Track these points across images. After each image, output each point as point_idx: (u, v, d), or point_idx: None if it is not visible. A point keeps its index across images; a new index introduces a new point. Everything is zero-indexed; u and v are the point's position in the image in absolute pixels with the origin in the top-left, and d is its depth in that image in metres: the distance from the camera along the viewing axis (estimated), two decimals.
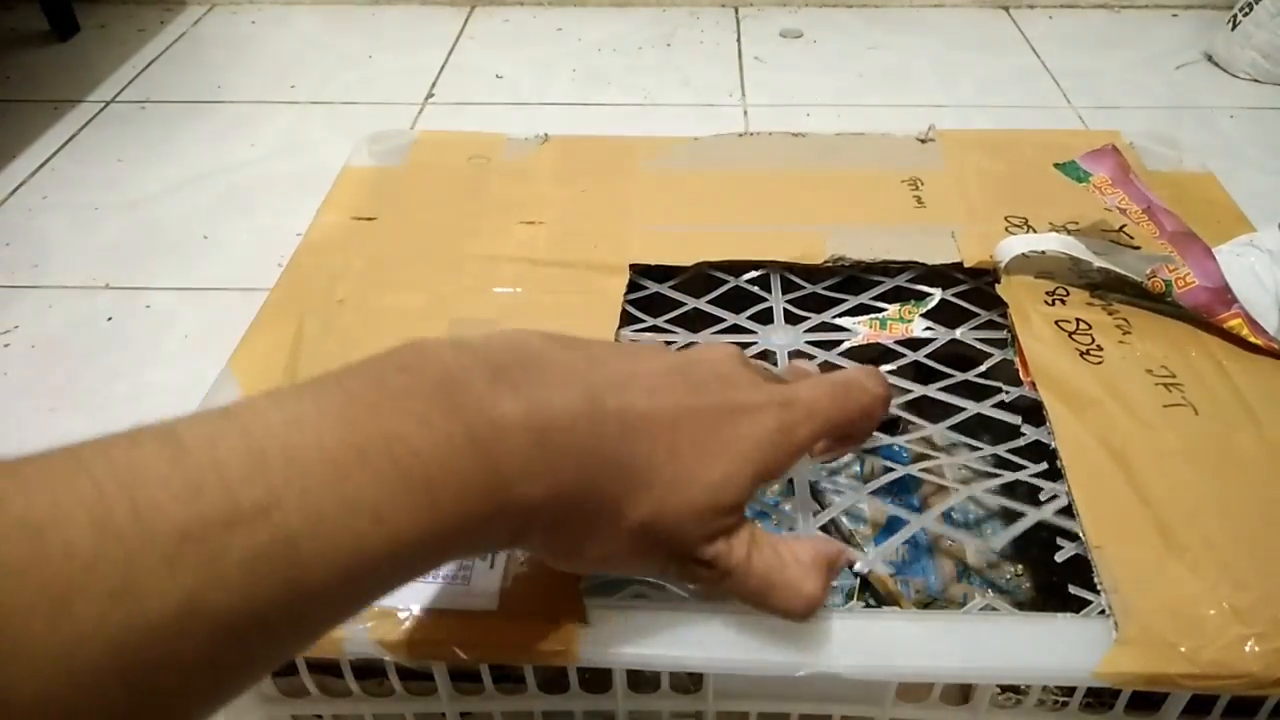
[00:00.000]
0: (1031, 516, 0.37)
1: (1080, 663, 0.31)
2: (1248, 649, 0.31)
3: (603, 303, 0.47)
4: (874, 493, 0.40)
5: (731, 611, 0.32)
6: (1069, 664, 0.31)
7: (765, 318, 0.48)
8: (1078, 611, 0.33)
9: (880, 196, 0.54)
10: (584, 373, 0.26)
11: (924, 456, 0.44)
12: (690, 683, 0.35)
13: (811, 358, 0.45)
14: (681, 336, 0.47)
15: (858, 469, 0.47)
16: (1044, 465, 0.39)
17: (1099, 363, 0.42)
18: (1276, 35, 1.05)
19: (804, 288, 0.50)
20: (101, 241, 0.85)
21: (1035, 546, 0.45)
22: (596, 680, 0.35)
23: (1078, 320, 0.45)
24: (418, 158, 0.59)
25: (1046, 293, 0.46)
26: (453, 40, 1.21)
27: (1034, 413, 0.41)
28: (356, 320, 0.46)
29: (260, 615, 0.19)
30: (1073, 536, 0.36)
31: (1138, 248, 0.48)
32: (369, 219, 0.53)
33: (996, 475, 0.40)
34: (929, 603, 0.44)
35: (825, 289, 0.50)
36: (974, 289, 0.49)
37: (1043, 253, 0.47)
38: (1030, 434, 0.40)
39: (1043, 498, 0.38)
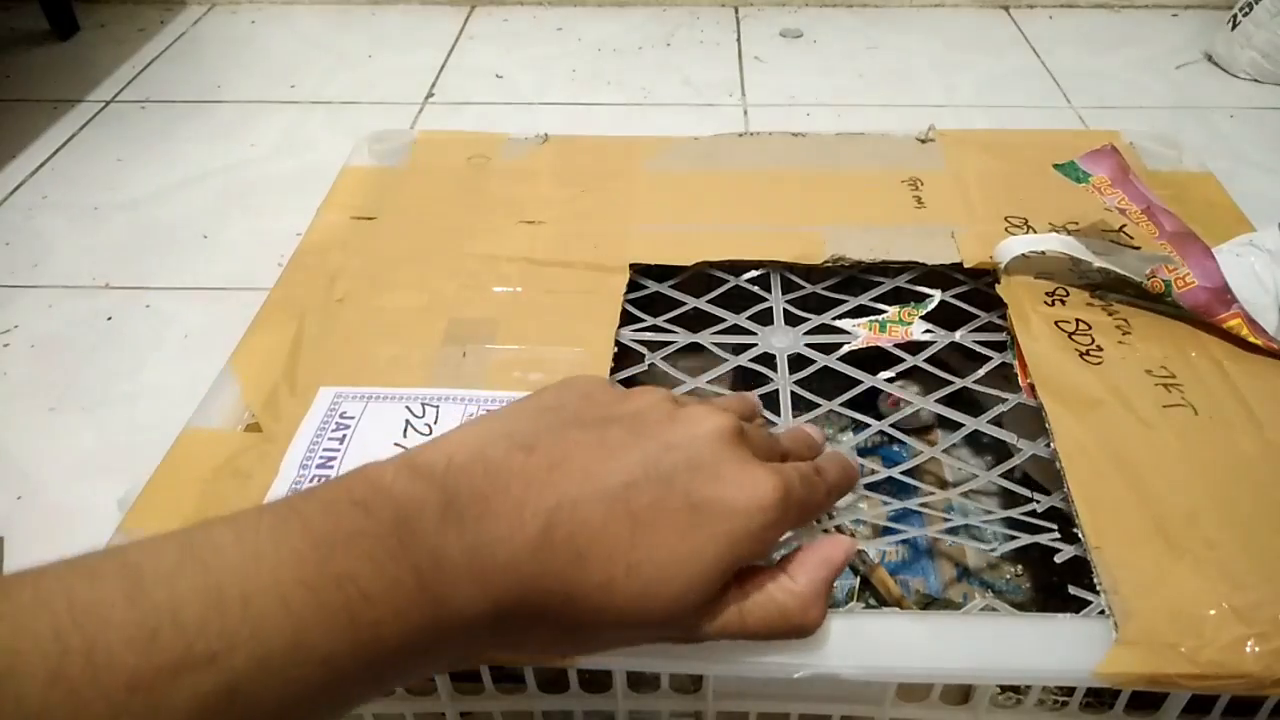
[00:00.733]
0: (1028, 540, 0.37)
1: (1080, 663, 0.31)
2: (1248, 649, 0.31)
3: (603, 302, 0.47)
4: (874, 494, 0.40)
5: None
6: (1069, 664, 0.31)
7: (765, 318, 0.48)
8: (1077, 612, 0.33)
9: (880, 197, 0.54)
10: (540, 489, 0.25)
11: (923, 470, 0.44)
12: (690, 683, 0.35)
13: (811, 361, 0.45)
14: (681, 336, 0.47)
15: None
16: (1044, 504, 0.39)
17: (1099, 363, 0.42)
18: (1276, 35, 1.05)
19: (804, 288, 0.50)
20: (101, 241, 0.85)
21: (1035, 548, 0.44)
22: (596, 680, 0.35)
23: (1077, 321, 0.45)
24: (418, 158, 0.59)
25: (1046, 293, 0.46)
26: (453, 40, 1.20)
27: (1032, 422, 0.41)
28: (356, 319, 0.46)
29: None
30: (1072, 539, 0.35)
31: (1137, 248, 0.48)
32: (369, 218, 0.53)
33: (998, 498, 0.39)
34: (929, 603, 0.44)
35: (825, 289, 0.50)
36: (974, 290, 0.49)
37: (1042, 253, 0.47)
38: (1027, 449, 0.40)
39: (1045, 537, 0.37)
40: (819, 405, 0.43)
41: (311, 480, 0.38)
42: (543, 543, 0.25)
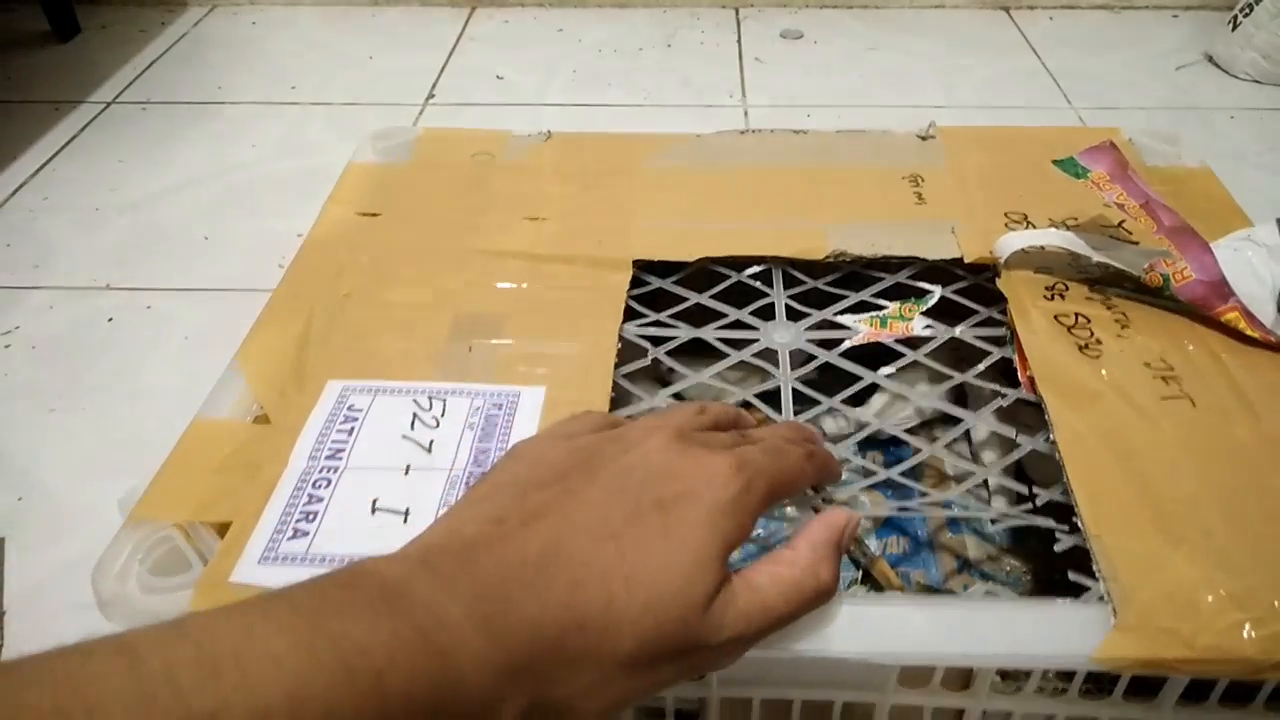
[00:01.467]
0: (1028, 518, 0.37)
1: (1080, 647, 0.31)
2: (1245, 634, 0.31)
3: (606, 298, 0.47)
4: (875, 487, 0.40)
5: None
6: (1069, 649, 0.32)
7: (767, 313, 0.48)
8: (1077, 598, 0.33)
9: (881, 193, 0.54)
10: (521, 543, 0.26)
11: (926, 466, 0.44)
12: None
13: (813, 357, 0.45)
14: (684, 331, 0.47)
15: (859, 463, 0.47)
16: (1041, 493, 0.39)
17: (1098, 356, 0.42)
18: (1277, 36, 1.05)
19: (805, 283, 0.50)
20: (102, 242, 0.85)
21: (1034, 539, 0.45)
22: None
23: (1077, 315, 0.45)
24: (421, 154, 0.59)
25: (1046, 288, 0.47)
26: (453, 41, 1.21)
27: (1031, 418, 0.41)
28: (363, 314, 0.46)
29: None
30: (1072, 528, 0.36)
31: (1136, 243, 0.48)
32: (374, 215, 0.53)
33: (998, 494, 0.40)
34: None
35: (826, 285, 0.50)
36: (974, 285, 0.49)
37: (1042, 248, 0.47)
38: (1026, 444, 0.40)
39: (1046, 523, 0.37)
40: (820, 402, 0.44)
41: (321, 470, 0.38)
42: (539, 582, 0.25)
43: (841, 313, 0.48)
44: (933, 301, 0.48)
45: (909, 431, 0.43)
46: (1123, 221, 0.50)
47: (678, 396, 0.45)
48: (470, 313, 0.46)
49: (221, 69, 1.15)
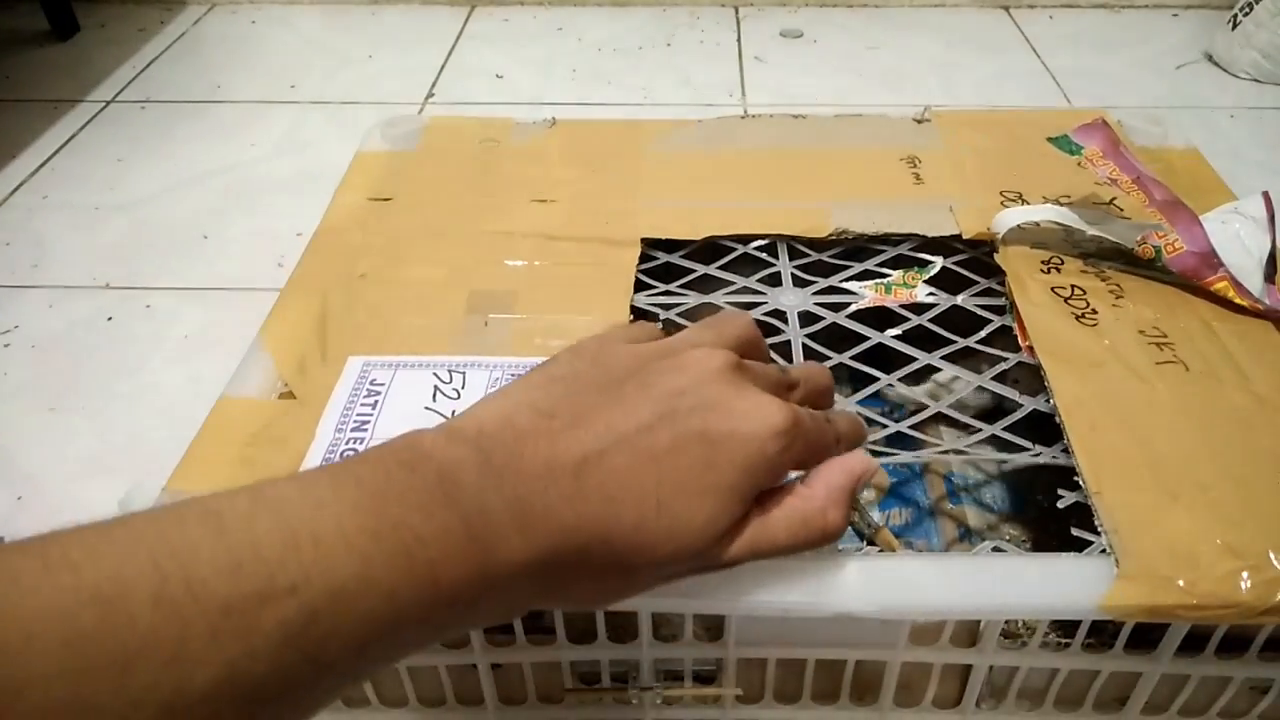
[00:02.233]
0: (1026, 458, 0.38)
1: (1085, 598, 0.32)
2: (1241, 581, 0.32)
3: (616, 273, 0.48)
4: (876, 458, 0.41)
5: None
6: (1075, 599, 0.33)
7: (774, 281, 0.50)
8: (1080, 552, 0.34)
9: (880, 174, 0.55)
10: (567, 446, 0.27)
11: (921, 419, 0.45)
12: (710, 632, 0.36)
13: (820, 318, 0.47)
14: (693, 299, 0.48)
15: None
16: (1044, 447, 0.40)
17: (1094, 325, 0.44)
18: (1277, 35, 1.05)
19: (809, 255, 0.51)
20: (102, 241, 0.85)
21: (1034, 509, 0.47)
22: (622, 631, 0.36)
23: (1073, 286, 0.46)
24: (430, 141, 0.60)
25: (1042, 262, 0.48)
26: (453, 40, 1.21)
27: (1031, 380, 0.43)
28: (380, 292, 0.47)
29: (285, 684, 0.21)
30: (1073, 486, 0.37)
31: (1128, 219, 0.50)
32: (385, 199, 0.54)
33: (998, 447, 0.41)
34: None
35: (830, 257, 0.51)
36: (973, 258, 0.50)
37: (1037, 224, 0.49)
38: (1028, 404, 0.42)
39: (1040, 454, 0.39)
40: (830, 358, 0.45)
41: (348, 443, 0.39)
42: (576, 492, 0.27)
43: (846, 280, 0.49)
44: (934, 270, 0.50)
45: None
46: (1114, 199, 0.52)
47: None
48: (484, 289, 0.47)
49: (221, 68, 1.15)
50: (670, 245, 0.51)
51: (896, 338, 0.46)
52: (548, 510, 0.26)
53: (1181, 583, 0.32)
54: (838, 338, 0.46)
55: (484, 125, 0.61)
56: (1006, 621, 0.35)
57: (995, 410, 0.44)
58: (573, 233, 0.51)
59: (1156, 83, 1.09)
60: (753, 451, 0.28)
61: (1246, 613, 0.32)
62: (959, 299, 0.48)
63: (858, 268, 0.50)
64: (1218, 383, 0.41)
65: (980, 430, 0.42)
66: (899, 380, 0.45)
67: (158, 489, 0.37)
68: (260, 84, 1.11)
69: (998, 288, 0.48)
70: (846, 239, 0.51)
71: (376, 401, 0.41)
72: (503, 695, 0.39)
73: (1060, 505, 0.37)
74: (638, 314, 0.47)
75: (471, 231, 0.52)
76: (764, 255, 0.51)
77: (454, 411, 0.41)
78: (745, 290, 0.49)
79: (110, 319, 0.76)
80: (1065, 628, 0.35)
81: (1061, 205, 0.50)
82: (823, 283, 0.49)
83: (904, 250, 0.51)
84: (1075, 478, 0.37)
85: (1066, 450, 0.38)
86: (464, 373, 0.42)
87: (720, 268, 0.50)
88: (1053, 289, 0.46)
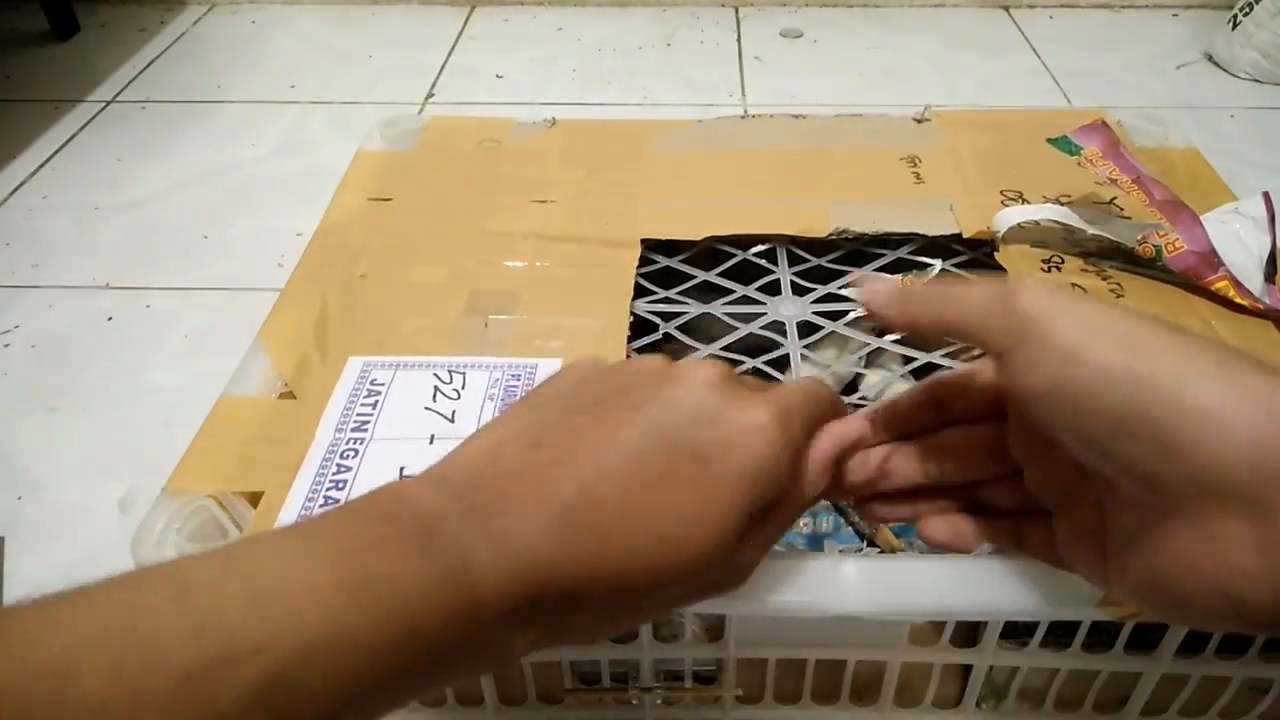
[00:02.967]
0: None
1: (1084, 599, 0.32)
2: None
3: (616, 275, 0.48)
4: None
5: None
6: (1074, 600, 0.32)
7: (773, 289, 0.49)
8: None
9: (880, 173, 0.55)
10: (555, 481, 0.26)
11: None
12: (707, 635, 0.36)
13: (819, 328, 0.46)
14: (693, 307, 0.48)
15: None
16: None
17: None
18: (1277, 35, 1.05)
19: (809, 261, 0.51)
20: (102, 241, 0.85)
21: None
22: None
23: (1074, 285, 0.46)
24: (429, 142, 0.60)
25: (1043, 260, 0.48)
26: (453, 40, 1.21)
27: None
28: (380, 293, 0.47)
29: None
30: None
31: (1128, 218, 0.50)
32: (385, 199, 0.54)
33: None
34: None
35: (830, 262, 0.51)
36: (972, 259, 0.50)
37: (1037, 223, 0.48)
38: None
39: None
40: (829, 366, 0.45)
41: (348, 443, 0.39)
42: (564, 527, 0.26)
43: (845, 287, 0.49)
44: (933, 274, 0.50)
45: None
46: (1114, 198, 0.52)
47: None
48: (484, 290, 0.47)
49: (221, 68, 1.15)
50: (670, 248, 0.51)
51: (895, 342, 0.46)
52: (535, 551, 0.25)
53: None
54: (838, 349, 0.46)
55: (484, 125, 0.61)
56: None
57: None
58: (572, 233, 0.51)
59: (1156, 83, 1.09)
60: (747, 461, 0.27)
61: None
62: None
63: (857, 273, 0.50)
64: None
65: None
66: (900, 376, 0.44)
67: (157, 489, 0.37)
68: (260, 84, 1.11)
69: None
70: (846, 239, 0.51)
71: (377, 401, 0.41)
72: (503, 695, 0.39)
73: None
74: (638, 320, 0.46)
75: (471, 232, 0.51)
76: (763, 262, 0.51)
77: (454, 412, 0.41)
78: (744, 300, 0.49)
79: (110, 319, 0.76)
80: (1065, 628, 0.35)
81: (1062, 205, 0.50)
82: (822, 290, 0.49)
83: (903, 254, 0.51)
84: None
85: None
86: (464, 373, 0.42)
87: (720, 274, 0.50)
88: None
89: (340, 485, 0.37)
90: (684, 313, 0.48)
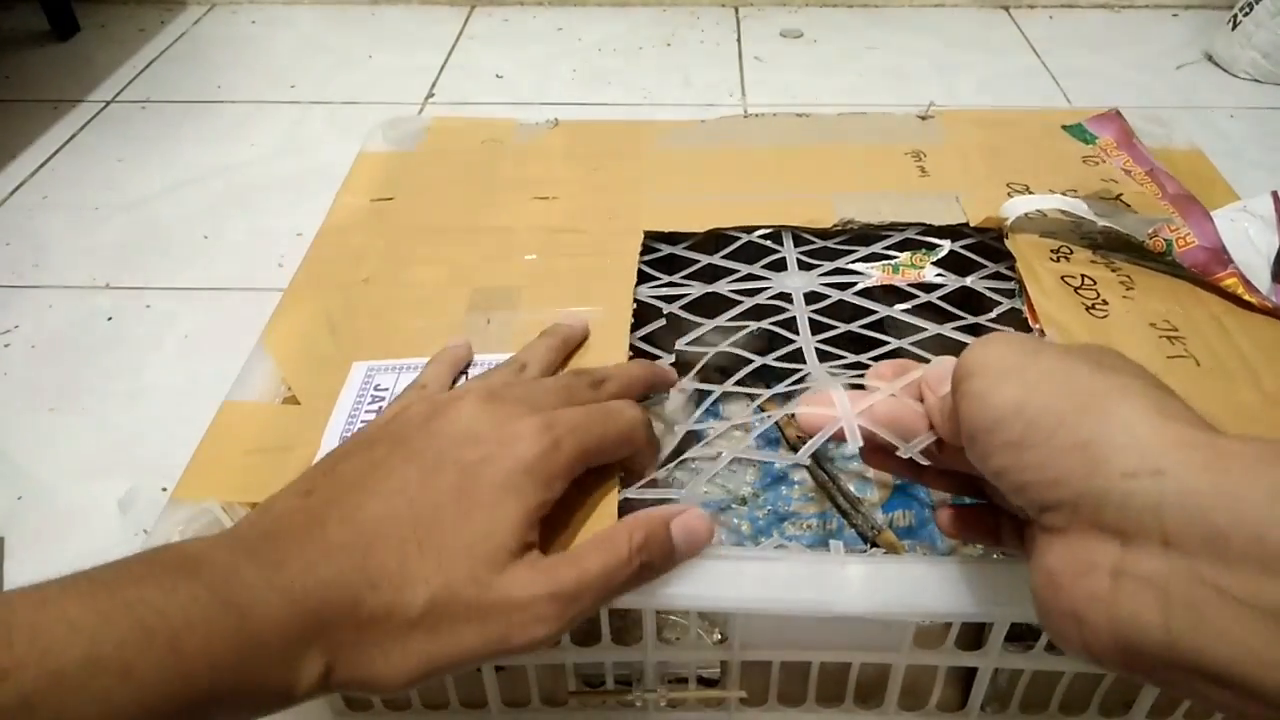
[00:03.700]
0: None
1: None
2: None
3: (618, 263, 0.48)
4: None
5: (757, 559, 0.33)
6: None
7: (779, 267, 0.49)
8: None
9: (885, 167, 0.55)
10: (322, 520, 0.28)
11: None
12: (710, 636, 0.36)
13: (826, 297, 0.46)
14: (697, 289, 0.48)
15: None
16: None
17: (1104, 316, 0.43)
18: (1277, 35, 1.05)
19: (815, 242, 0.51)
20: (102, 241, 0.84)
21: None
22: (626, 633, 0.36)
23: (1083, 276, 0.46)
24: (431, 142, 0.60)
25: (1051, 250, 0.47)
26: (453, 40, 1.20)
27: None
28: (383, 295, 0.47)
29: None
30: None
31: (1136, 213, 0.49)
32: (387, 199, 0.54)
33: None
34: None
35: (837, 243, 0.51)
36: (981, 243, 0.50)
37: (1044, 214, 0.48)
38: None
39: None
40: (836, 327, 0.44)
41: None
42: (334, 546, 0.27)
43: (853, 263, 0.49)
44: (943, 253, 0.49)
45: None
46: (1121, 194, 0.52)
47: (695, 344, 0.46)
48: (486, 287, 0.47)
49: (221, 68, 1.15)
50: (673, 238, 0.51)
51: (905, 312, 0.46)
52: (306, 569, 0.26)
53: None
54: (845, 316, 0.46)
55: (486, 126, 0.61)
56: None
57: None
58: (574, 226, 0.51)
59: (1156, 83, 1.09)
60: (507, 467, 0.29)
61: None
62: (968, 280, 0.47)
63: (864, 251, 0.49)
64: (1228, 380, 0.40)
65: None
66: (910, 345, 0.44)
67: (157, 489, 0.37)
68: (260, 84, 1.11)
69: (1007, 272, 0.48)
70: (852, 228, 0.50)
71: (381, 406, 0.40)
72: (506, 698, 0.39)
73: None
74: (641, 307, 0.46)
75: (473, 228, 0.51)
76: (768, 243, 0.50)
77: None
78: (750, 277, 0.48)
79: (110, 319, 0.76)
80: None
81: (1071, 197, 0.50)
82: (829, 265, 0.49)
83: (912, 234, 0.50)
84: None
85: None
86: (467, 372, 0.42)
87: (724, 257, 0.50)
88: (1063, 278, 0.45)
89: None
90: (687, 295, 0.47)
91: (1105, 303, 0.44)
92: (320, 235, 0.52)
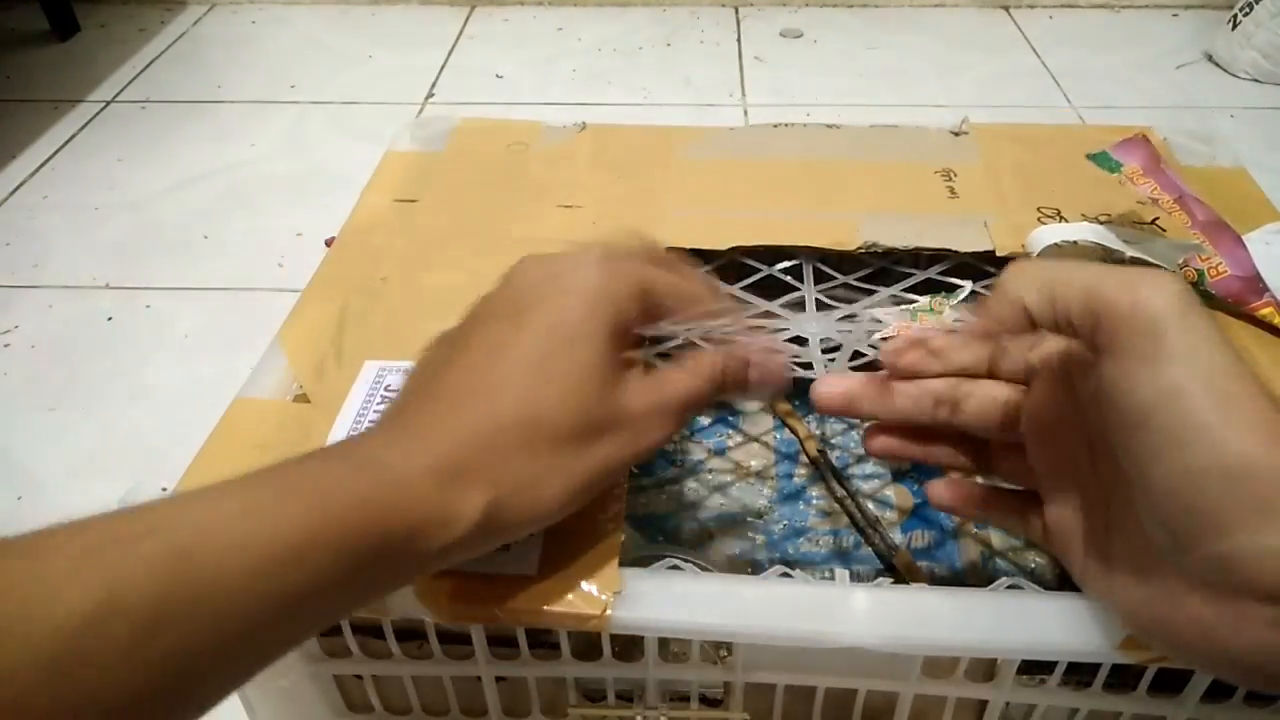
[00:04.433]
0: None
1: (1105, 639, 0.31)
2: None
3: None
4: (900, 479, 0.40)
5: (762, 582, 0.33)
6: (1094, 640, 0.31)
7: (798, 306, 0.49)
8: None
9: (913, 186, 0.54)
10: (442, 379, 0.30)
11: None
12: (717, 655, 0.36)
13: (841, 346, 0.46)
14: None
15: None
16: None
17: None
18: (1276, 35, 1.05)
19: (835, 278, 0.50)
20: (102, 241, 0.85)
21: None
22: (628, 649, 0.36)
23: None
24: (458, 143, 0.60)
25: None
26: (453, 40, 1.21)
27: None
28: (399, 297, 0.47)
29: (167, 614, 0.21)
30: None
31: (1169, 239, 0.48)
32: (410, 201, 0.54)
33: None
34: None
35: (856, 280, 0.50)
36: None
37: (1074, 243, 0.47)
38: None
39: None
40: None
41: None
42: (456, 403, 0.29)
43: (871, 307, 0.49)
44: (963, 296, 0.48)
45: None
46: (1156, 218, 0.50)
47: None
48: None
49: (221, 68, 1.15)
50: (695, 259, 0.51)
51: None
52: (436, 421, 0.28)
53: None
54: (861, 368, 0.45)
55: (513, 129, 0.60)
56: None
57: None
58: (596, 238, 0.51)
59: (1156, 83, 1.09)
60: (589, 299, 0.31)
61: None
62: None
63: (884, 293, 0.49)
64: None
65: None
66: None
67: (157, 489, 0.37)
68: (260, 84, 1.11)
69: None
70: (874, 256, 0.50)
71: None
72: (507, 709, 0.39)
73: None
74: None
75: (494, 235, 0.51)
76: (788, 278, 0.50)
77: None
78: (768, 314, 0.48)
79: (110, 319, 0.76)
80: (1086, 665, 0.34)
81: (1101, 223, 0.48)
82: (846, 309, 0.48)
83: (933, 274, 0.50)
84: None
85: None
86: None
87: (744, 288, 0.49)
88: None
89: None
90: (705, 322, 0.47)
91: None
92: (343, 235, 0.52)
